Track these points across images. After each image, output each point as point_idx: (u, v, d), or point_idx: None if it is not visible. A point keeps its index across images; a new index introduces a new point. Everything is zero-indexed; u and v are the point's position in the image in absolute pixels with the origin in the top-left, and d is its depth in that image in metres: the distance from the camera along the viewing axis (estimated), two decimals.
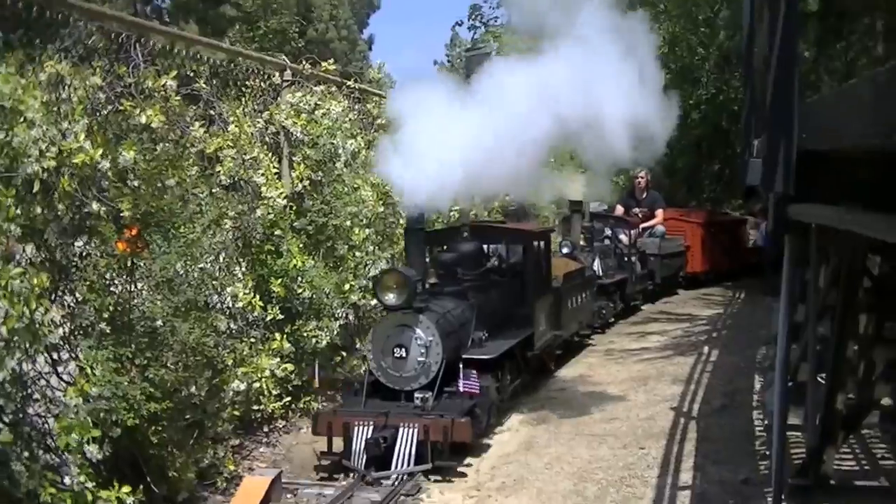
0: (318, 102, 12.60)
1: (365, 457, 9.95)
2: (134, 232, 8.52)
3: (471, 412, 10.28)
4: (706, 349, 16.82)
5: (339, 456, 10.23)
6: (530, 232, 14.22)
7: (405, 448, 9.89)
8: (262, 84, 12.33)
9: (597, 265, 19.49)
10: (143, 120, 8.60)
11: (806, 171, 5.25)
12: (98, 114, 8.57)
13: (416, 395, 10.42)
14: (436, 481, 9.73)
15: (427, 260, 12.13)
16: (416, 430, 9.93)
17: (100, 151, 7.66)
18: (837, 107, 4.10)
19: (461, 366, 10.65)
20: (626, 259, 21.86)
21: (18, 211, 7.01)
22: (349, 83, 14.59)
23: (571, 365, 15.98)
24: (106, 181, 8.13)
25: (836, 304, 7.88)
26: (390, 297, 10.52)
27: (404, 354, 10.57)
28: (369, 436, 9.96)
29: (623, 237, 22.28)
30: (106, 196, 8.16)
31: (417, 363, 10.54)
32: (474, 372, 10.67)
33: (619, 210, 24.52)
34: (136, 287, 8.78)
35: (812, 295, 8.80)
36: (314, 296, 11.69)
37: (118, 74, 8.99)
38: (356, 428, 10.10)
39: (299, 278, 11.53)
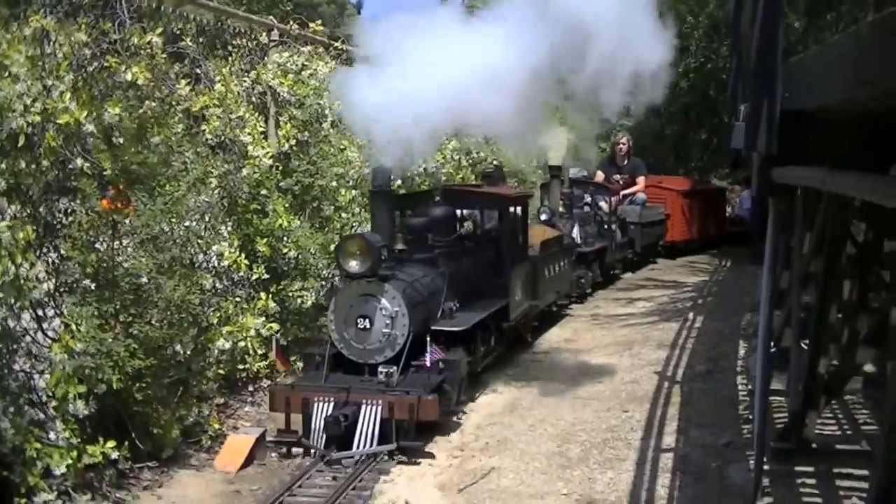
0: (305, 63, 12.58)
1: (324, 436, 9.31)
2: (117, 190, 8.53)
3: (439, 388, 9.70)
4: (691, 315, 16.85)
5: (297, 435, 9.62)
6: (506, 196, 13.31)
7: (368, 427, 9.30)
8: (249, 44, 12.30)
9: (576, 233, 18.66)
10: (129, 77, 8.58)
11: (791, 134, 5.26)
12: (83, 70, 8.54)
13: (381, 369, 9.73)
14: (400, 463, 9.31)
15: (395, 225, 11.34)
16: (379, 408, 9.34)
17: (84, 113, 7.64)
18: (821, 64, 4.10)
19: (429, 338, 9.96)
20: (605, 227, 20.94)
21: (3, 165, 7.01)
22: (336, 44, 14.54)
23: (557, 328, 16.04)
24: (91, 139, 8.13)
25: (819, 270, 7.91)
26: (353, 265, 9.80)
27: (368, 326, 9.89)
28: (329, 413, 9.33)
29: (603, 204, 21.35)
30: (90, 154, 8.16)
31: (382, 335, 9.89)
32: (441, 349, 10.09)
33: (600, 176, 23.58)
34: (120, 244, 8.78)
35: (796, 260, 8.83)
36: (300, 256, 11.67)
37: (103, 31, 8.95)
38: (315, 404, 9.45)
39: (285, 238, 11.49)
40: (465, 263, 12.13)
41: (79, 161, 7.89)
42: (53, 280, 8.18)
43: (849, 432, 9.36)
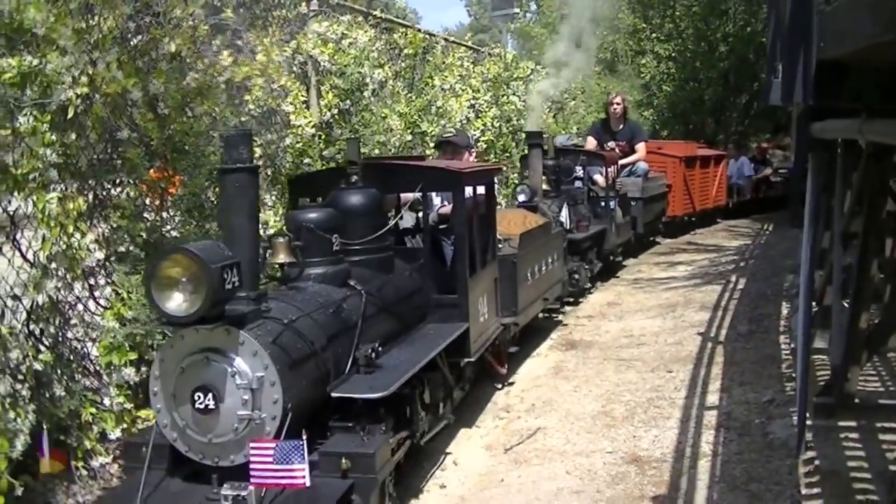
0: (345, 32, 12.62)
1: None
2: (163, 160, 8.69)
3: None
4: (734, 278, 16.86)
5: None
6: (460, 172, 8.88)
7: None
8: (289, 14, 12.35)
9: (564, 215, 15.11)
10: (172, 48, 8.68)
11: (829, 87, 5.31)
12: (128, 43, 8.66)
13: (225, 491, 5.67)
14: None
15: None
16: None
17: (132, 81, 7.77)
18: (853, 10, 4.14)
19: (305, 436, 5.54)
20: (602, 205, 16.97)
21: (53, 137, 7.14)
22: (375, 13, 14.61)
23: (598, 292, 16.10)
24: (137, 109, 8.27)
25: (859, 227, 7.95)
26: (176, 301, 5.60)
27: (212, 404, 5.72)
28: None
29: (598, 177, 17.44)
30: (136, 125, 8.31)
31: (238, 420, 5.78)
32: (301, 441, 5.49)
33: (591, 143, 19.70)
34: (168, 213, 8.93)
35: (837, 218, 8.87)
36: None
37: (147, 3, 9.05)
38: None
39: None
40: (399, 276, 8.54)
41: (125, 132, 8.03)
42: (104, 249, 8.34)
43: (891, 388, 9.39)
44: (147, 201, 8.75)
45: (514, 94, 18.97)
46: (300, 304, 6.73)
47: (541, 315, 13.14)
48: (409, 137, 13.27)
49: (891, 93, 5.00)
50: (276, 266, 7.28)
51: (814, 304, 9.31)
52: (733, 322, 13.13)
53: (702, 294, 15.36)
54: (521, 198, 13.80)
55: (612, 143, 19.87)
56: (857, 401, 8.13)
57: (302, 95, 11.28)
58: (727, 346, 11.79)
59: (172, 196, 8.88)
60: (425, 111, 14.12)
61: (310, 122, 10.98)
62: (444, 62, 15.97)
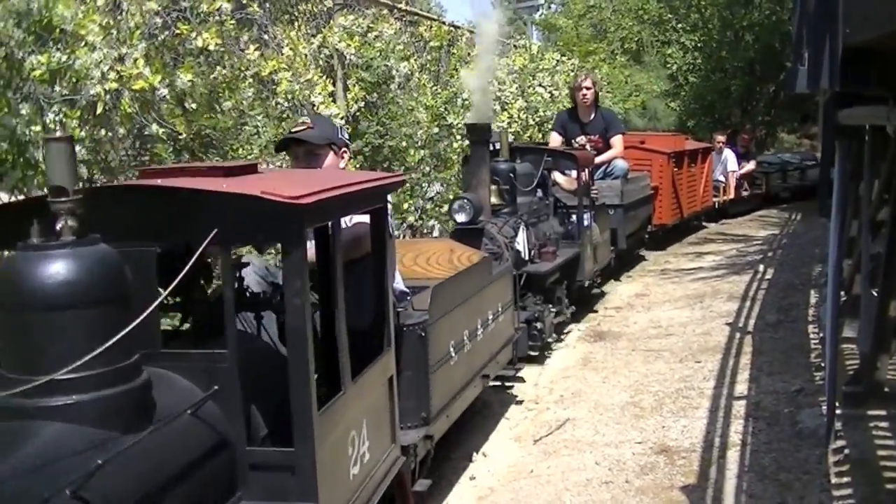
0: (371, 25, 12.64)
1: None
2: (192, 155, 8.73)
3: None
4: (762, 268, 16.79)
5: None
6: (294, 202, 3.76)
7: None
8: (314, 8, 12.39)
9: (521, 240, 10.78)
10: (200, 43, 8.72)
11: (856, 75, 5.29)
12: (155, 38, 8.71)
13: None
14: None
15: None
16: None
17: (158, 77, 7.81)
18: None
19: None
20: (571, 222, 12.72)
21: (83, 133, 7.20)
22: (400, 6, 14.64)
23: (626, 283, 16.10)
24: (165, 105, 8.32)
25: (887, 215, 7.92)
26: None
27: None
28: None
29: (560, 177, 13.62)
30: (164, 120, 8.36)
31: None
32: None
33: (556, 140, 15.28)
34: None
35: (865, 206, 8.83)
36: None
37: None
38: None
39: None
40: (169, 428, 3.59)
41: (154, 127, 8.08)
42: None
43: None
44: None
45: (539, 84, 19.02)
46: None
47: (492, 382, 8.91)
48: (436, 130, 13.28)
49: None
50: None
51: (842, 292, 9.28)
52: (761, 312, 13.08)
53: (730, 284, 15.31)
54: (460, 218, 10.11)
55: (582, 139, 15.33)
56: (886, 389, 8.10)
57: (328, 88, 11.31)
58: (755, 335, 11.75)
59: None
60: (451, 103, 14.13)
61: (337, 114, 10.99)
62: (469, 54, 16.00)
